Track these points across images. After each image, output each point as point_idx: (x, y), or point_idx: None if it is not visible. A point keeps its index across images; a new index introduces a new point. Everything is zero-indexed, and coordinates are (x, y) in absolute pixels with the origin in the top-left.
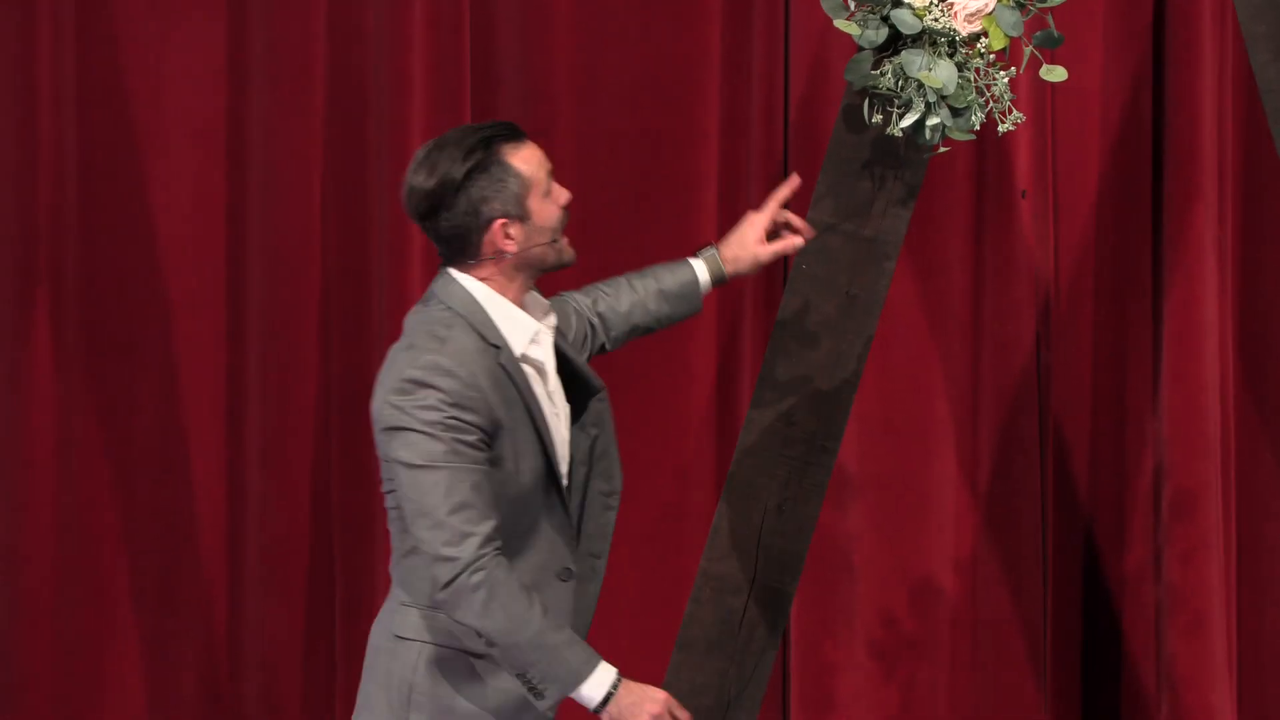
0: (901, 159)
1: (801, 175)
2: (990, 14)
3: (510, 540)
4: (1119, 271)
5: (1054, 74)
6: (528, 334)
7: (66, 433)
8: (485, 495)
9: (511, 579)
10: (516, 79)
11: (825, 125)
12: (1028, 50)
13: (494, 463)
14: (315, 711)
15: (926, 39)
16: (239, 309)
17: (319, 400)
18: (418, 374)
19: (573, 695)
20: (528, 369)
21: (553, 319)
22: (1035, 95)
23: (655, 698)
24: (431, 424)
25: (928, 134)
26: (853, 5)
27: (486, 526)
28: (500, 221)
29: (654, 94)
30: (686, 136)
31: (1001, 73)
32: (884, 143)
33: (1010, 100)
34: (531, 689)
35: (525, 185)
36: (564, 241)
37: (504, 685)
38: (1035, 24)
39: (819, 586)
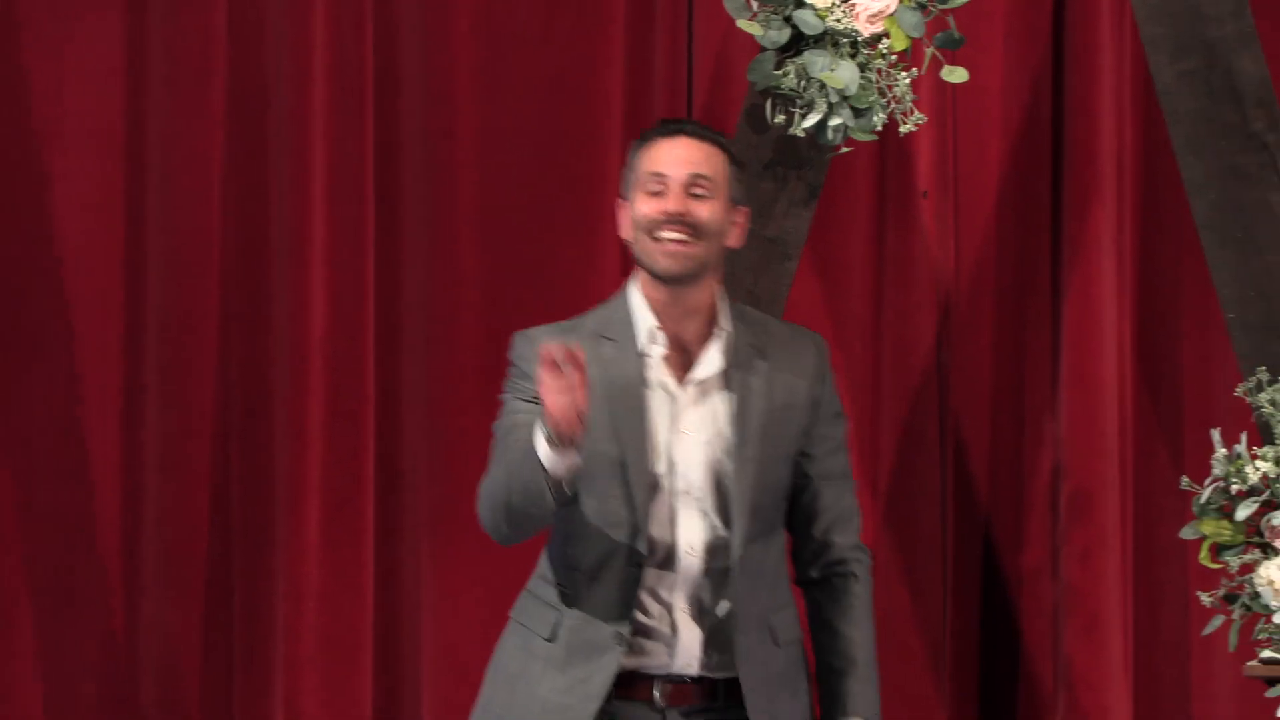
0: (804, 159)
1: None
2: (892, 15)
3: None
4: (1019, 272)
5: (955, 75)
6: (645, 332)
7: None
8: (519, 430)
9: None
10: (419, 79)
11: (729, 126)
12: (929, 51)
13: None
14: (214, 715)
15: (829, 39)
16: (137, 310)
17: (218, 403)
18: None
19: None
20: (655, 364)
21: (714, 353)
22: (936, 96)
23: (545, 387)
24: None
25: (830, 134)
26: (755, 6)
27: (501, 453)
28: (621, 202)
29: (556, 94)
30: (589, 137)
31: (903, 73)
32: (786, 143)
33: (912, 101)
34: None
35: (635, 174)
36: (651, 246)
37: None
38: (936, 25)
39: None
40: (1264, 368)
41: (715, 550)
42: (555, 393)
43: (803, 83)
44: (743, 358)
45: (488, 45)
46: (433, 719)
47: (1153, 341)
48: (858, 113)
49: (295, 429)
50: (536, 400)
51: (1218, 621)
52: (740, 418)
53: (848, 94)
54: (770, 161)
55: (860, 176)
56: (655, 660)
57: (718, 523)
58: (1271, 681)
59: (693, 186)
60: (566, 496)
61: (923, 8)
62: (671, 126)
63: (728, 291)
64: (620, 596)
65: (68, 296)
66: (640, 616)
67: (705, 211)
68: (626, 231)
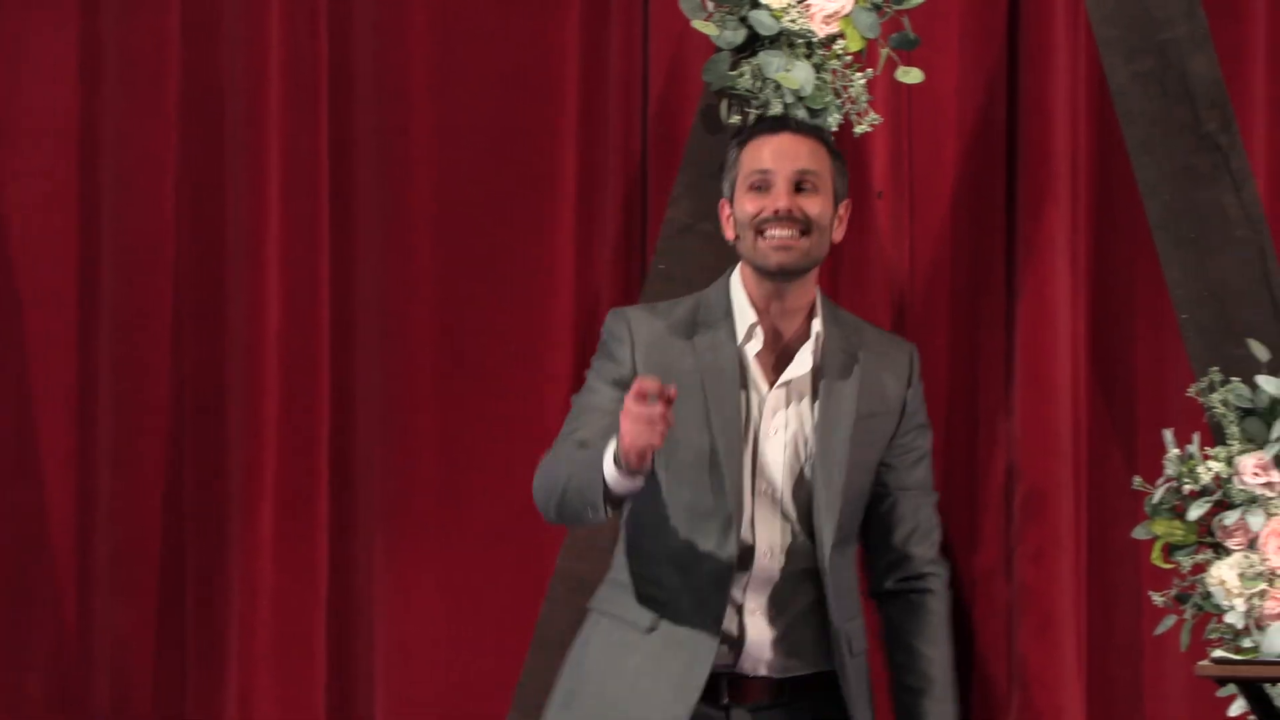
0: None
1: (660, 175)
2: (847, 16)
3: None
4: (973, 272)
5: (910, 75)
6: (744, 327)
7: None
8: (592, 413)
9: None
10: (373, 76)
11: (684, 125)
12: (884, 52)
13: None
14: (167, 712)
15: (784, 40)
16: (91, 307)
17: (172, 400)
18: None
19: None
20: (749, 360)
21: (806, 354)
22: (891, 97)
23: (628, 413)
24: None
25: None
26: (711, 6)
27: (571, 429)
28: (723, 201)
29: (511, 92)
30: (544, 135)
31: (858, 74)
32: None
33: (867, 101)
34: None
35: (738, 172)
36: (758, 243)
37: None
38: (892, 26)
39: None
40: (1216, 368)
41: (794, 554)
42: (636, 421)
43: (758, 83)
44: (834, 361)
45: (443, 42)
46: (386, 715)
47: (1106, 342)
48: (813, 113)
49: (249, 426)
50: (617, 384)
51: (1170, 621)
52: (827, 422)
53: (803, 94)
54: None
55: None
56: (722, 659)
57: (798, 526)
58: (1223, 681)
59: (800, 182)
60: (618, 511)
61: (878, 8)
62: (774, 123)
63: (684, 292)
64: (715, 591)
65: (21, 294)
66: (716, 620)
67: (814, 207)
68: (729, 230)
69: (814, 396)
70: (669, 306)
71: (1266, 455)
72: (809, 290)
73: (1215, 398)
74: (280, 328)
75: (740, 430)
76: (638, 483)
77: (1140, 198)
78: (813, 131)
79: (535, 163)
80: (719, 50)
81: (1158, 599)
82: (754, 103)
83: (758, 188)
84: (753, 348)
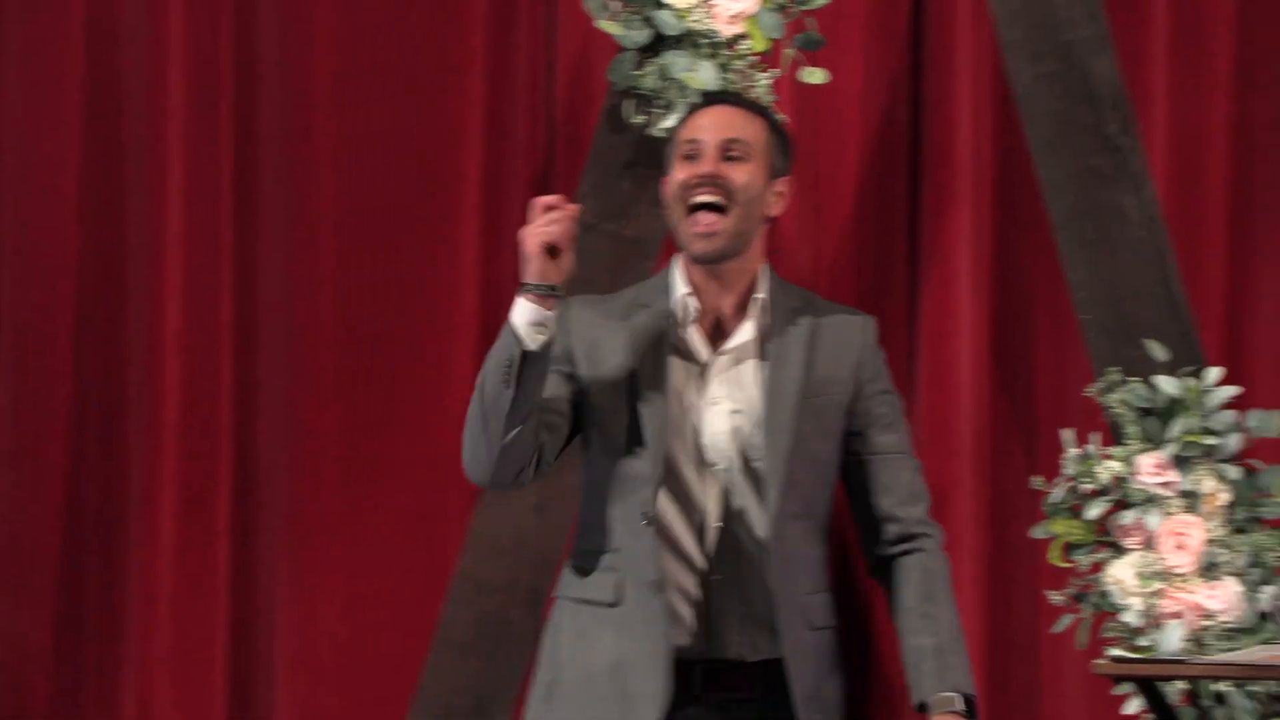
0: (663, 159)
1: (564, 175)
2: (752, 16)
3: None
4: (877, 273)
5: (814, 76)
6: (680, 301)
7: None
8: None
9: None
10: (277, 78)
11: (588, 125)
12: (789, 52)
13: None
14: (63, 718)
15: (689, 40)
16: None
17: (72, 402)
18: None
19: (517, 331)
20: (688, 332)
21: (749, 327)
22: (796, 97)
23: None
24: None
25: None
26: (615, 6)
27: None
28: (665, 179)
29: (416, 95)
30: (449, 136)
31: (763, 74)
32: (646, 143)
33: (772, 102)
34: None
35: (674, 146)
36: (685, 225)
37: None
38: (797, 26)
39: None
40: (1116, 369)
41: (746, 525)
42: (534, 225)
43: (663, 83)
44: (780, 329)
45: (348, 42)
46: None
47: (1008, 342)
48: None
49: (149, 428)
50: (558, 366)
51: (1067, 620)
52: (773, 389)
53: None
54: (630, 162)
55: None
56: (692, 641)
57: (751, 498)
58: (1119, 679)
59: (727, 149)
60: (535, 372)
61: (783, 9)
62: (714, 96)
63: (588, 292)
64: (653, 561)
65: None
66: (676, 592)
67: (741, 175)
68: (668, 207)
69: (760, 362)
70: (612, 296)
71: (1164, 455)
72: (749, 265)
73: (1114, 398)
74: (181, 329)
75: (672, 400)
76: (549, 311)
77: (1042, 199)
78: (751, 105)
79: (440, 164)
80: (624, 50)
81: (1055, 598)
82: (658, 103)
83: (688, 156)
84: (689, 319)
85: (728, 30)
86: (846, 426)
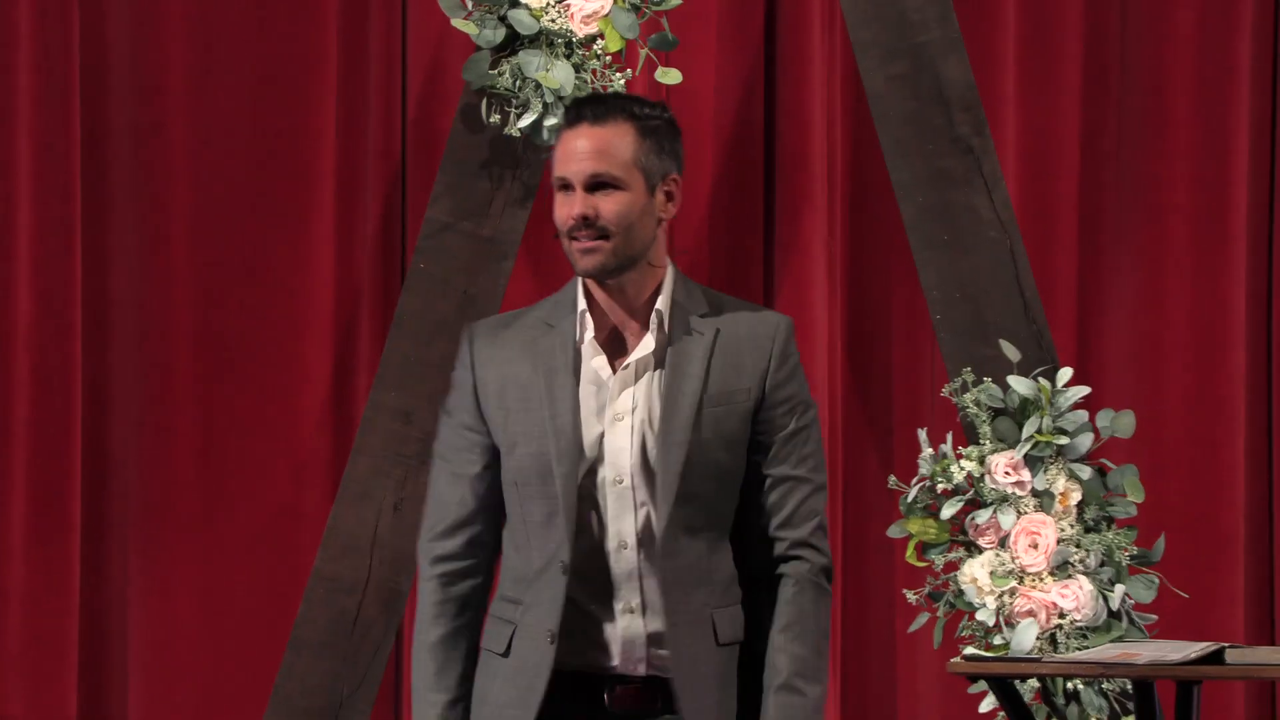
0: (519, 159)
1: (419, 174)
2: (606, 16)
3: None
4: (731, 274)
5: (669, 76)
6: (581, 319)
7: None
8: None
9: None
10: (128, 74)
11: (444, 124)
12: (643, 52)
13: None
14: None
15: (544, 39)
16: None
17: None
18: None
19: None
20: (589, 351)
21: (649, 340)
22: (651, 97)
23: None
24: None
25: (545, 134)
26: (470, 5)
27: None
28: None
29: (270, 91)
30: (303, 134)
31: (618, 74)
32: (502, 143)
33: None
34: None
35: (553, 165)
36: (569, 245)
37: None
38: (651, 27)
39: None
40: (969, 369)
41: (648, 541)
42: None
43: (518, 82)
44: (681, 338)
45: (200, 38)
46: (140, 718)
47: (862, 343)
48: None
49: (0, 423)
50: (470, 429)
51: (923, 619)
52: (670, 400)
53: (563, 94)
54: (486, 161)
55: None
56: (602, 660)
57: (653, 512)
58: (974, 678)
59: (594, 182)
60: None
61: (637, 9)
62: (571, 114)
63: (444, 291)
64: (551, 595)
65: None
66: (579, 615)
67: (611, 207)
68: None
69: (658, 374)
70: (526, 311)
71: (1017, 455)
72: (647, 277)
73: (968, 398)
74: (31, 327)
75: (576, 428)
76: None
77: (895, 200)
78: (613, 113)
79: (294, 162)
80: (479, 49)
81: (911, 597)
82: (514, 102)
83: (562, 188)
84: (590, 337)
85: (582, 30)
86: (750, 435)
